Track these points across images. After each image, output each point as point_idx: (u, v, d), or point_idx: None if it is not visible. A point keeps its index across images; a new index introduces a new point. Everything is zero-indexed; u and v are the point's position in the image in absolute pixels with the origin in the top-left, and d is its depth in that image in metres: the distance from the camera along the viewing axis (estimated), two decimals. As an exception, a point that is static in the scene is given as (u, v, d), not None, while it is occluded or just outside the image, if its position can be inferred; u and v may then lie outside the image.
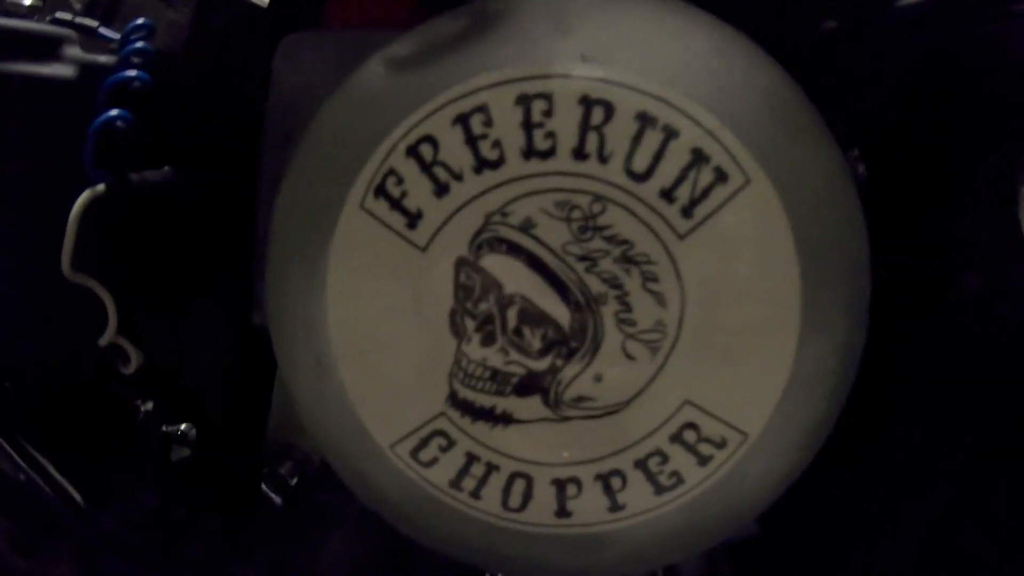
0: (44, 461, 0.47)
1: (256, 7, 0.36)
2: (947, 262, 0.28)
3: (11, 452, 0.41)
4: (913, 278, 0.29)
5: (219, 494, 0.44)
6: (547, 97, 0.20)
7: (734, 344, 0.21)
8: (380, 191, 0.21)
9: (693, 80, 0.20)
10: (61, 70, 0.33)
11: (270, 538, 0.46)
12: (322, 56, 0.31)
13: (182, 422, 0.45)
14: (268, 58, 0.32)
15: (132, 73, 0.32)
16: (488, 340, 0.21)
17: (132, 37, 0.33)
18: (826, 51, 0.27)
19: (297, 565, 0.46)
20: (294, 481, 0.43)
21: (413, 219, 0.21)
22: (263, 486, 0.43)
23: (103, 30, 0.39)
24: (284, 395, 0.39)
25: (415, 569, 0.46)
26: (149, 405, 0.44)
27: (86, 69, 0.33)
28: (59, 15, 0.39)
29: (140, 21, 0.35)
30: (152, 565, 0.43)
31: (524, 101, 0.20)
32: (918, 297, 0.30)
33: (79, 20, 0.39)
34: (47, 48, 0.34)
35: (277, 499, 0.43)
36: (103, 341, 0.33)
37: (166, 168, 0.33)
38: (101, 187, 0.30)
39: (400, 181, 0.21)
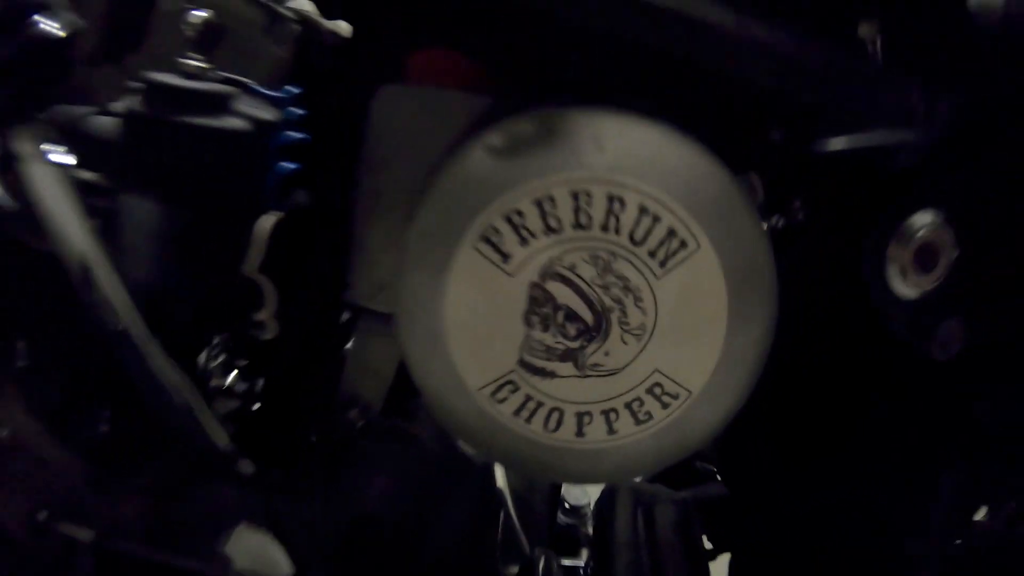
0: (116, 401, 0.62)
1: (351, 55, 0.50)
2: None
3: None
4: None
5: (278, 442, 0.59)
6: (588, 193, 0.35)
7: (685, 338, 0.37)
8: (485, 239, 0.36)
9: (675, 185, 0.35)
10: (235, 123, 0.47)
11: (325, 477, 0.61)
12: (410, 105, 0.45)
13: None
14: (364, 100, 0.46)
15: (299, 135, 0.46)
16: (545, 328, 0.36)
17: (289, 102, 0.47)
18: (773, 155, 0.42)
19: (349, 499, 0.61)
20: (360, 424, 0.57)
21: (505, 257, 0.36)
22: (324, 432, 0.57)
23: (254, 86, 0.53)
24: (357, 355, 0.53)
25: (440, 502, 0.62)
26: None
27: (254, 122, 0.47)
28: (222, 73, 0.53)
29: (294, 90, 0.49)
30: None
31: (575, 194, 0.35)
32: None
33: (237, 78, 0.53)
34: (222, 103, 0.48)
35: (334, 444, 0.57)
36: (261, 317, 0.47)
37: (301, 192, 0.48)
38: (277, 214, 0.44)
39: (498, 233, 0.36)
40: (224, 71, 0.54)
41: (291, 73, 0.51)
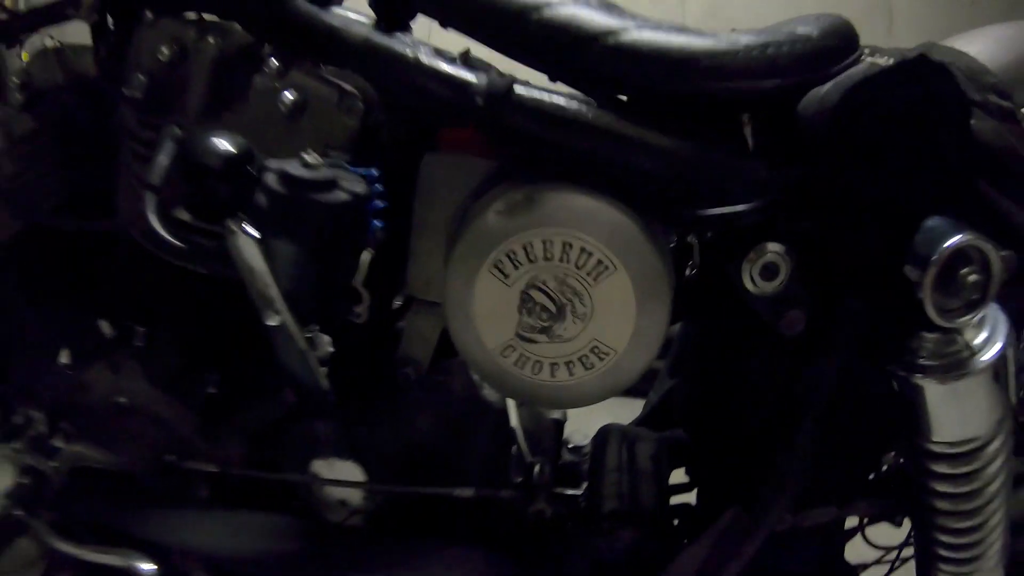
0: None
1: (402, 129, 0.76)
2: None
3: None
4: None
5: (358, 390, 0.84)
6: (551, 241, 0.62)
7: (610, 321, 0.63)
8: (495, 266, 0.63)
9: (601, 234, 0.62)
10: (343, 197, 0.66)
11: (390, 414, 0.87)
12: (445, 166, 0.71)
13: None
14: (415, 161, 0.73)
15: (382, 204, 0.70)
16: (530, 315, 0.63)
17: (374, 180, 0.70)
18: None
19: (404, 430, 0.86)
20: (413, 377, 0.82)
21: (506, 276, 0.63)
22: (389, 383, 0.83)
23: (351, 168, 0.71)
24: (411, 329, 0.79)
25: (468, 433, 0.86)
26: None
27: (355, 196, 0.68)
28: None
29: (374, 172, 0.69)
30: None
31: (544, 241, 0.62)
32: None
33: (339, 162, 0.70)
34: (334, 184, 0.68)
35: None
36: (359, 310, 0.74)
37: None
38: (371, 251, 0.70)
39: (502, 263, 0.63)
40: (308, 137, 0.78)
41: (359, 138, 0.75)
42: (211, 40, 0.77)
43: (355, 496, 0.88)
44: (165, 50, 0.77)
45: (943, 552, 0.69)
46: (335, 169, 0.69)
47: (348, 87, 0.74)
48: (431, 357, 0.79)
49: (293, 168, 0.65)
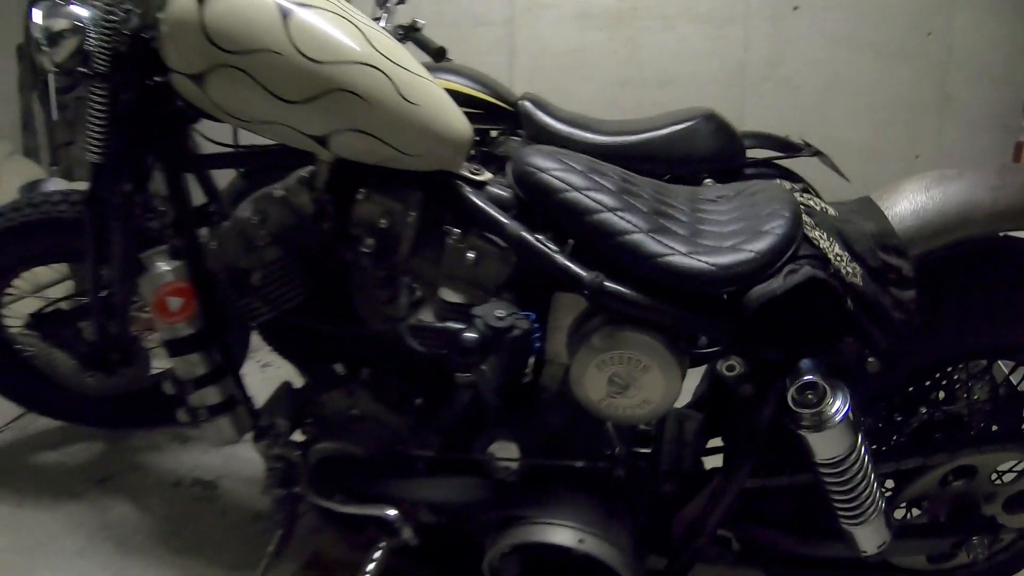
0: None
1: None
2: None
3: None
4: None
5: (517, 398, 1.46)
6: (622, 355, 1.24)
7: (651, 390, 1.27)
8: (596, 366, 1.26)
9: (649, 352, 1.24)
10: (518, 333, 1.30)
11: (531, 416, 1.47)
12: (567, 302, 1.31)
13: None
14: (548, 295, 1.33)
15: (538, 333, 1.32)
16: (612, 386, 1.27)
17: (534, 320, 1.32)
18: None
19: (543, 419, 1.46)
20: (555, 391, 1.44)
21: (601, 371, 1.26)
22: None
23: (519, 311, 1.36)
24: (549, 373, 1.42)
25: (579, 422, 1.44)
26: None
27: (526, 332, 1.28)
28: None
29: (533, 315, 1.32)
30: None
31: (619, 355, 1.25)
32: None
33: (514, 310, 1.35)
34: (513, 328, 1.31)
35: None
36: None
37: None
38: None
39: (599, 365, 1.26)
40: (485, 278, 1.35)
41: (514, 279, 1.34)
42: (413, 213, 1.34)
43: (513, 464, 1.40)
44: (384, 221, 1.34)
45: (841, 511, 1.25)
46: (514, 315, 1.26)
47: (504, 245, 1.32)
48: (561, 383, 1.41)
49: (492, 320, 1.24)
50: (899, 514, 1.44)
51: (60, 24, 1.62)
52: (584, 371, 1.25)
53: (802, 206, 1.28)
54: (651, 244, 1.20)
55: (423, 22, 2.88)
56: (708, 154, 2.61)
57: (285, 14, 1.22)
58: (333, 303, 1.50)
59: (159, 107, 1.50)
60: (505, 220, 1.28)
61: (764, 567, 1.52)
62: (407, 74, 1.28)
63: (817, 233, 1.21)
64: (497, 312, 1.23)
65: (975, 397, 1.43)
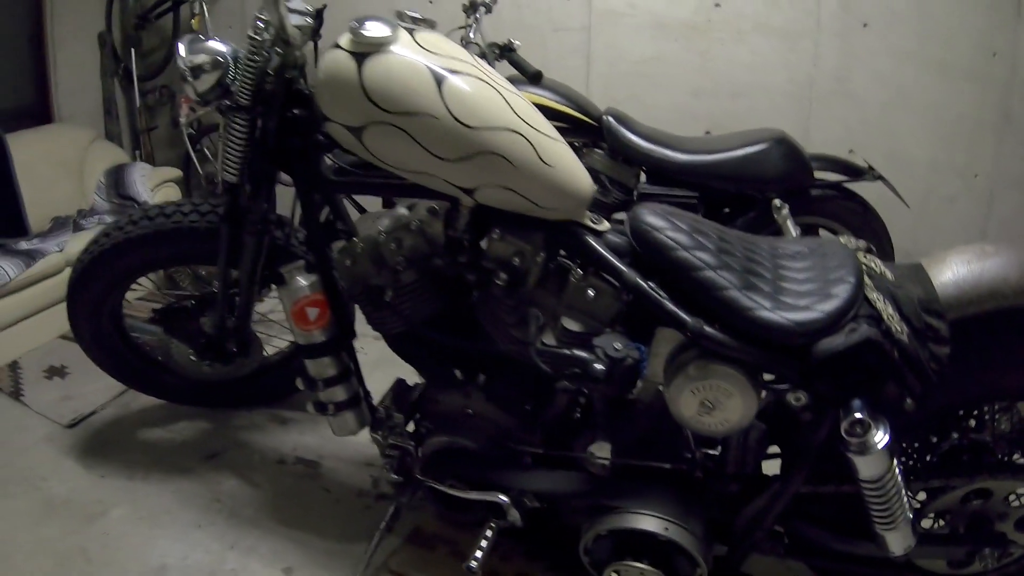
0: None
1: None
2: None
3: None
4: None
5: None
6: (711, 383, 1.55)
7: (732, 412, 1.58)
8: (690, 392, 1.57)
9: (732, 382, 1.55)
10: (630, 363, 1.59)
11: (623, 421, 1.77)
12: (666, 335, 1.62)
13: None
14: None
15: (644, 359, 1.63)
16: (702, 407, 1.57)
17: (640, 349, 1.62)
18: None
19: (637, 424, 1.76)
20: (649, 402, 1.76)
21: (694, 396, 1.58)
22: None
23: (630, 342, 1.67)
24: (646, 389, 1.72)
25: (665, 433, 1.73)
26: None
27: (634, 360, 1.58)
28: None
29: (643, 347, 1.64)
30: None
31: (709, 384, 1.55)
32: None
33: (626, 341, 1.65)
34: (626, 359, 1.61)
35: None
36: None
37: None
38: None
39: (693, 392, 1.57)
40: (601, 312, 1.64)
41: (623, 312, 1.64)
42: (542, 254, 1.63)
43: (607, 462, 1.64)
44: (516, 260, 1.64)
45: (876, 518, 1.54)
46: (628, 347, 1.59)
47: (617, 284, 1.60)
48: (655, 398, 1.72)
49: (611, 350, 1.55)
50: (927, 524, 1.71)
51: (201, 58, 1.79)
52: (680, 394, 1.52)
53: (864, 266, 1.55)
54: (743, 299, 1.49)
55: (518, 43, 3.12)
56: (778, 176, 2.88)
57: (439, 80, 1.37)
58: (458, 319, 1.76)
59: (296, 137, 1.65)
60: (623, 268, 1.58)
61: (807, 560, 1.77)
62: (544, 138, 1.48)
63: (875, 296, 1.48)
64: (616, 344, 1.53)
65: (1001, 427, 1.70)
